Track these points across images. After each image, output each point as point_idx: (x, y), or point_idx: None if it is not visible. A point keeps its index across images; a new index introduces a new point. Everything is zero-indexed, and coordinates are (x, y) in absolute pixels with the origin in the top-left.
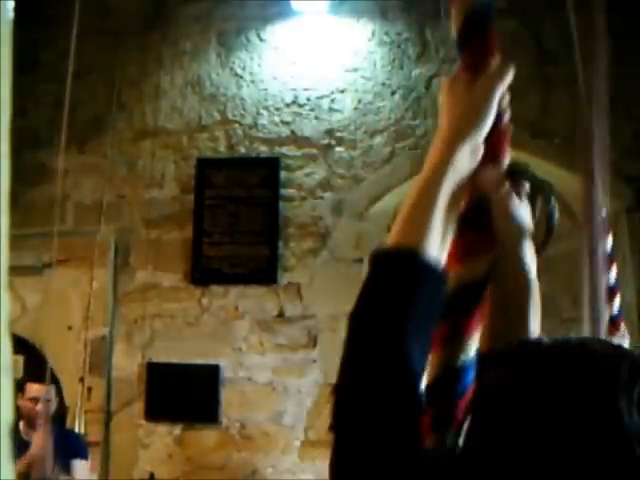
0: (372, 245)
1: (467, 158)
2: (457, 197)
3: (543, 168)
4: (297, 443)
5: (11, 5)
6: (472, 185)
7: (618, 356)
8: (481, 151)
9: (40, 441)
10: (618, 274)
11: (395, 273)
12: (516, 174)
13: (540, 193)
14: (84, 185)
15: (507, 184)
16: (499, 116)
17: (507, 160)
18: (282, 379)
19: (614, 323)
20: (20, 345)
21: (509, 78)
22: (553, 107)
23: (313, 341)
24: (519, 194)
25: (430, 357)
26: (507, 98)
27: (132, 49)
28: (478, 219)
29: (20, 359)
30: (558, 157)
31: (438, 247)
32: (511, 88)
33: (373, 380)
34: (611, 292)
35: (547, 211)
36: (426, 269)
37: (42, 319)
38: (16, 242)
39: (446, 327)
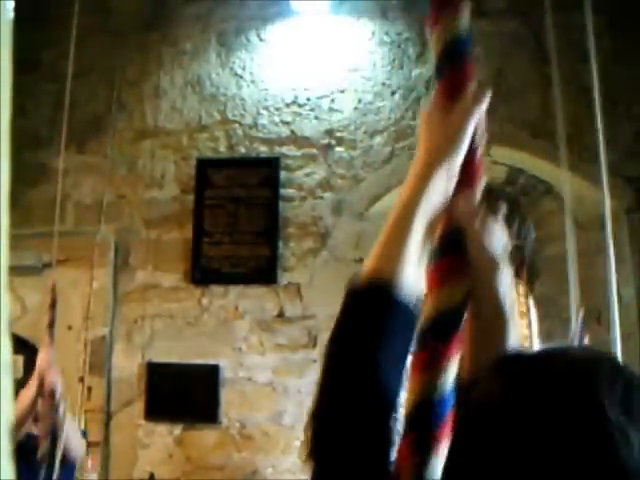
0: (372, 245)
1: (442, 186)
2: (433, 224)
3: (543, 168)
4: (297, 443)
5: (11, 5)
6: (448, 213)
7: (598, 359)
8: (456, 178)
9: (45, 354)
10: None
11: (368, 308)
12: (493, 196)
13: (517, 214)
14: (84, 185)
15: (481, 215)
16: (474, 143)
17: (482, 185)
18: (282, 379)
19: None
20: (20, 345)
21: (484, 105)
22: (553, 107)
23: (313, 341)
24: (496, 215)
25: (409, 383)
26: (483, 124)
27: (132, 49)
28: (455, 246)
29: (20, 359)
30: (558, 157)
31: (413, 275)
32: (511, 88)
33: (347, 408)
34: None
35: (524, 233)
36: (398, 304)
37: (42, 319)
38: (16, 242)
39: (425, 354)
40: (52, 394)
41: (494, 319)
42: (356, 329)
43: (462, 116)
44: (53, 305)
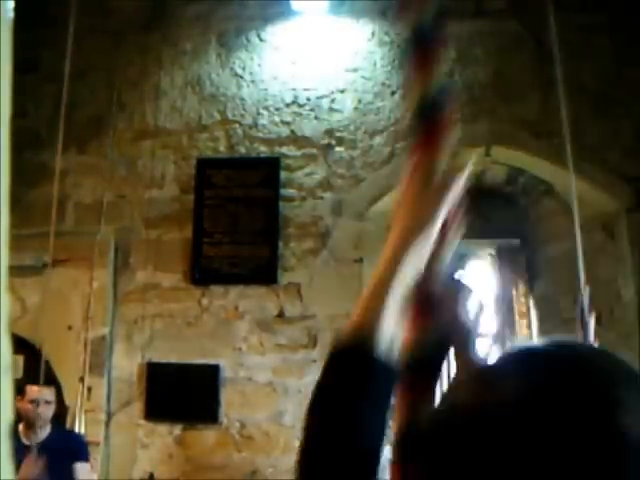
0: (372, 245)
1: (416, 260)
2: (407, 294)
3: (543, 168)
4: (297, 443)
5: (11, 5)
6: (421, 284)
7: (614, 365)
8: (427, 256)
9: (29, 467)
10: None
11: (349, 370)
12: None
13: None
14: (84, 185)
15: (455, 289)
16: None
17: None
18: (282, 379)
19: None
20: (20, 345)
21: (460, 185)
22: (553, 107)
23: (313, 341)
24: (461, 296)
25: (397, 415)
26: (459, 196)
27: (132, 49)
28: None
29: (20, 359)
30: (558, 157)
31: (390, 335)
32: (511, 88)
33: (330, 464)
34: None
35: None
36: (378, 364)
37: (42, 319)
38: (16, 242)
39: (411, 387)
40: None
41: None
42: (338, 390)
43: (434, 202)
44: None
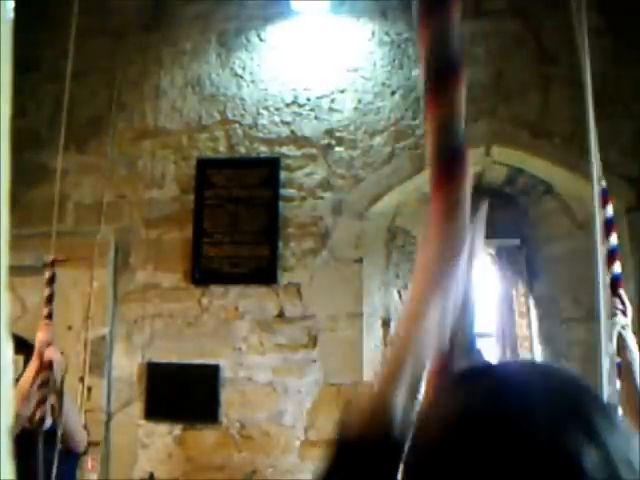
0: (372, 245)
1: (437, 317)
2: (424, 362)
3: (543, 168)
4: (297, 443)
5: (11, 5)
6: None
7: (559, 388)
8: (453, 306)
9: (44, 331)
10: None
11: (359, 465)
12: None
13: None
14: (84, 185)
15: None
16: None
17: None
18: (282, 379)
19: (614, 287)
20: (20, 345)
21: (480, 230)
22: (553, 107)
23: (313, 341)
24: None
25: None
26: (480, 243)
27: (132, 49)
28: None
29: (20, 359)
30: (558, 157)
31: (406, 406)
32: (511, 88)
33: None
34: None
35: None
36: (391, 452)
37: (42, 319)
38: (16, 242)
39: None
40: (50, 367)
41: None
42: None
43: (451, 255)
44: (51, 281)
